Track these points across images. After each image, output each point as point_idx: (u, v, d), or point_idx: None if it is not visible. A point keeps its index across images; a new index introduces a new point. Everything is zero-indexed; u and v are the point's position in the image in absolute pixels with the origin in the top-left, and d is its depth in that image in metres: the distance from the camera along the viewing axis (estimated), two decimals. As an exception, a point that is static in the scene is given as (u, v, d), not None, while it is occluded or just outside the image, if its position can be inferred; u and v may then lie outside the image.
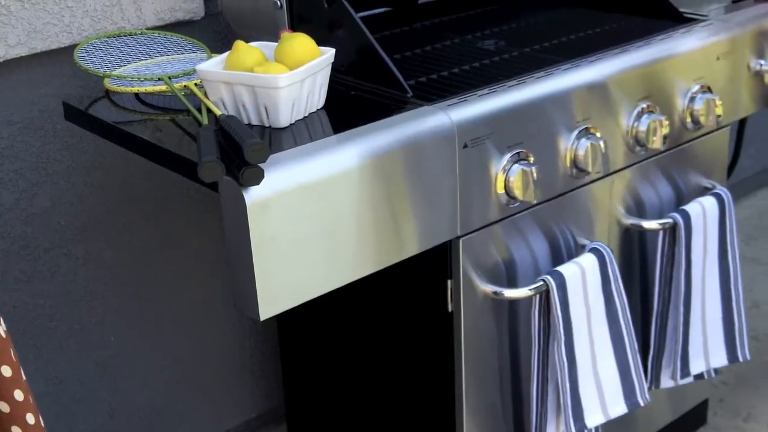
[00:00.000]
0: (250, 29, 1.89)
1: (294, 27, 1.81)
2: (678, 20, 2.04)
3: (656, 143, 1.84)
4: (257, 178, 1.30)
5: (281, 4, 1.82)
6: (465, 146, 1.57)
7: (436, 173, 1.53)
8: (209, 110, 1.54)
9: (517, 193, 1.62)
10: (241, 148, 1.29)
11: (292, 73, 1.49)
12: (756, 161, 3.46)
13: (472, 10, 2.24)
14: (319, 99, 1.59)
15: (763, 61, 2.06)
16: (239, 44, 1.57)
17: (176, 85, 1.64)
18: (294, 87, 1.50)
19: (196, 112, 1.54)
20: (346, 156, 1.42)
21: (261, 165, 1.30)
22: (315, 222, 1.39)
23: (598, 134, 1.76)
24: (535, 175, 1.64)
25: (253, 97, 1.51)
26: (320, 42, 1.59)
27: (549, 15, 2.20)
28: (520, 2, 2.29)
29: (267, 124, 1.52)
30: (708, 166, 2.07)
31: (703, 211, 1.93)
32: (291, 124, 1.53)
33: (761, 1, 2.19)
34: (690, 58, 1.92)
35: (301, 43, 1.57)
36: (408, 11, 2.14)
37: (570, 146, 1.73)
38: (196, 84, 1.64)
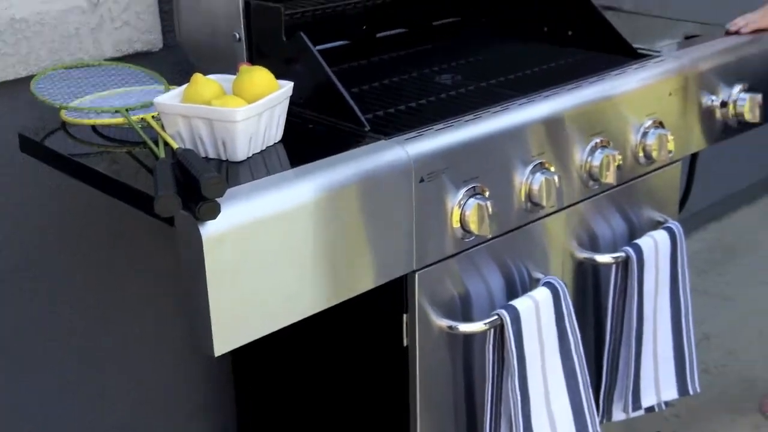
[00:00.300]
0: (209, 61, 1.89)
1: (252, 59, 1.82)
2: (631, 56, 2.08)
3: (609, 178, 1.86)
4: (214, 212, 1.30)
5: (240, 36, 1.83)
6: (421, 180, 1.58)
7: (392, 207, 1.54)
8: (166, 143, 1.54)
9: (473, 227, 1.64)
10: (198, 182, 1.30)
11: (250, 107, 1.50)
12: (707, 195, 3.52)
13: (429, 44, 2.26)
14: (276, 132, 1.60)
15: (714, 97, 2.10)
16: (197, 77, 1.58)
17: (133, 118, 1.64)
18: (251, 121, 1.51)
19: (153, 145, 1.54)
20: (303, 190, 1.43)
21: (218, 199, 1.30)
22: (271, 256, 1.39)
23: (553, 169, 1.78)
24: (490, 209, 1.65)
25: (210, 131, 1.51)
26: (278, 75, 1.60)
27: (505, 49, 2.23)
28: (477, 37, 2.32)
29: (224, 158, 1.52)
30: (660, 200, 2.10)
31: (655, 245, 1.96)
32: (248, 158, 1.53)
33: (731, 34, 2.23)
34: (643, 93, 1.95)
35: (259, 76, 1.58)
36: (366, 45, 2.15)
37: (525, 181, 1.74)
38: (153, 117, 1.64)
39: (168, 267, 2.21)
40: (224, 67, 1.79)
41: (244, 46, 1.83)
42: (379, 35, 2.19)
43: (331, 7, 1.94)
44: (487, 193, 1.67)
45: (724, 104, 2.11)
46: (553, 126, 1.78)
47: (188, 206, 1.31)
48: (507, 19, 2.31)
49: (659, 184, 2.08)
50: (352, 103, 1.67)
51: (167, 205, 1.28)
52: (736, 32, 2.23)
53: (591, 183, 1.88)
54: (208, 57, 1.90)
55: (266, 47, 1.81)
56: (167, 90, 1.79)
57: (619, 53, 2.11)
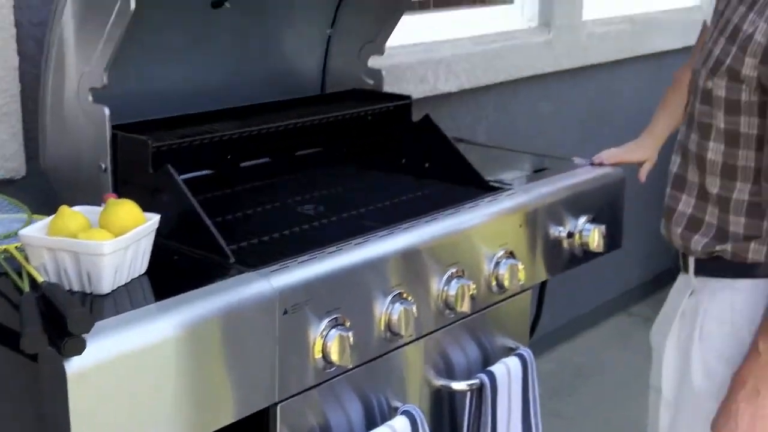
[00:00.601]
0: (73, 190, 1.91)
1: (118, 189, 1.84)
2: (484, 188, 2.19)
3: (464, 307, 1.94)
4: (79, 348, 1.32)
5: (106, 167, 1.86)
6: (285, 312, 1.62)
7: (255, 340, 1.57)
8: (30, 275, 1.54)
9: (334, 357, 1.68)
10: (64, 318, 1.31)
11: (117, 240, 1.53)
12: (556, 318, 3.66)
13: (292, 173, 2.32)
14: (141, 264, 1.62)
15: (561, 228, 2.22)
16: (64, 209, 1.60)
17: (-4, 248, 1.64)
18: (118, 254, 1.53)
19: (16, 278, 1.54)
20: (165, 325, 1.45)
21: (83, 335, 1.32)
22: (134, 391, 1.40)
23: (411, 299, 1.85)
24: (351, 339, 1.70)
25: (76, 263, 1.53)
26: (144, 205, 1.63)
27: (365, 180, 2.32)
28: (338, 167, 2.40)
29: (89, 291, 1.53)
30: (511, 327, 2.19)
31: (507, 371, 2.04)
32: (113, 291, 1.55)
33: (596, 165, 2.38)
34: (495, 225, 2.05)
35: (126, 209, 1.61)
36: (230, 174, 2.20)
37: (385, 311, 1.80)
38: (16, 247, 1.64)
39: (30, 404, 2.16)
40: (89, 196, 1.81)
41: (110, 177, 1.86)
42: (243, 165, 2.25)
43: (198, 139, 1.98)
44: (348, 324, 1.72)
45: (570, 235, 2.23)
46: (411, 257, 1.86)
47: (54, 342, 1.31)
48: (366, 150, 2.40)
49: (510, 311, 2.18)
50: (217, 235, 1.71)
51: (34, 341, 1.29)
52: (600, 163, 2.39)
53: (447, 312, 1.96)
54: (72, 186, 1.92)
55: (132, 178, 1.84)
56: (30, 219, 1.79)
57: (473, 186, 2.21)
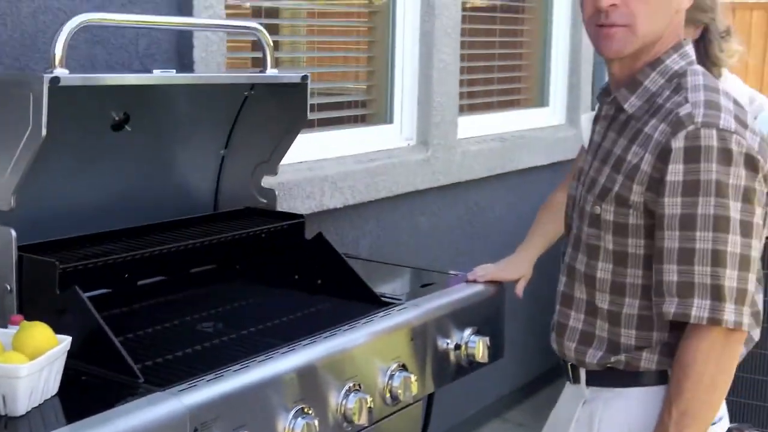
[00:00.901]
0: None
1: (23, 309, 1.87)
2: (376, 303, 2.29)
3: (362, 420, 2.02)
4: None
5: (11, 288, 1.89)
6: (195, 430, 1.67)
7: (168, 458, 1.61)
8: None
9: (243, 472, 1.73)
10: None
11: (33, 363, 1.57)
12: (440, 425, 3.75)
13: (190, 291, 2.38)
14: (53, 386, 1.65)
15: (449, 341, 2.34)
16: (-25, 333, 1.62)
17: None
18: (33, 376, 1.57)
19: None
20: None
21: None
22: None
23: (312, 413, 1.91)
24: (261, 453, 1.76)
25: (-10, 386, 1.55)
26: (49, 324, 1.67)
27: (261, 297, 2.39)
28: (233, 284, 2.47)
29: (4, 412, 1.56)
30: (405, 436, 2.28)
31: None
32: (27, 413, 1.57)
33: (470, 282, 2.50)
34: (388, 339, 2.15)
35: (39, 332, 1.65)
36: (128, 293, 2.25)
37: (287, 425, 1.86)
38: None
39: None
40: (-6, 316, 1.83)
41: (15, 298, 1.89)
42: (140, 283, 2.29)
43: (102, 260, 2.03)
44: (253, 439, 1.78)
45: (458, 347, 2.35)
46: (311, 373, 1.93)
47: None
48: (261, 267, 2.48)
49: (403, 422, 2.26)
50: (126, 355, 1.76)
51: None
52: (474, 280, 2.52)
53: (345, 425, 2.03)
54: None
55: (38, 298, 1.87)
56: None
57: (365, 301, 2.32)
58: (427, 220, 3.63)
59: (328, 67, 3.45)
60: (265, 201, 2.56)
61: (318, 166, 3.10)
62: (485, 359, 2.40)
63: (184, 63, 2.61)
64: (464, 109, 3.80)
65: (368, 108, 3.55)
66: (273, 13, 3.21)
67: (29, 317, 1.72)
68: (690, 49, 1.86)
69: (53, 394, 1.66)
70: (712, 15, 2.75)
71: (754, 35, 6.92)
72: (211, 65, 2.65)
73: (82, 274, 1.99)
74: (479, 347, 2.38)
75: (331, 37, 3.46)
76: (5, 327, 1.73)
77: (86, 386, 1.73)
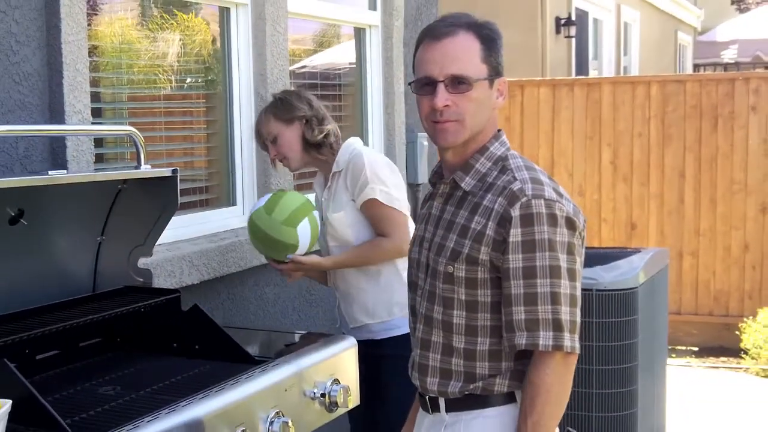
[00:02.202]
0: None
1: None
2: (251, 362, 2.64)
3: (252, 460, 2.36)
4: None
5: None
6: (124, 473, 1.98)
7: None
8: None
9: (164, 507, 2.05)
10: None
11: (-14, 424, 1.84)
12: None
13: (81, 362, 2.66)
14: (-3, 443, 1.93)
15: (315, 390, 2.70)
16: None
17: None
18: (-13, 434, 1.85)
19: None
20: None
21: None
22: None
23: (213, 456, 2.25)
24: (174, 493, 2.08)
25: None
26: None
27: (146, 363, 2.70)
28: (117, 354, 2.76)
29: (-38, 469, 1.83)
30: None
31: None
32: (-18, 468, 1.85)
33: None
34: (267, 391, 2.50)
35: (-15, 399, 1.93)
36: (29, 365, 2.51)
37: (193, 467, 2.20)
38: None
39: None
40: None
41: (-58, 374, 2.14)
42: (39, 357, 2.57)
43: (11, 338, 2.31)
44: (168, 480, 2.10)
45: (323, 395, 2.72)
46: (209, 421, 2.26)
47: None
48: (142, 338, 2.79)
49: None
50: (55, 413, 2.05)
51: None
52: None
53: (236, 471, 2.36)
54: None
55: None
56: None
57: (240, 361, 2.66)
58: (271, 291, 4.00)
59: (179, 158, 3.80)
60: (141, 280, 2.88)
61: (175, 247, 3.43)
62: (346, 405, 2.79)
63: (58, 162, 2.91)
64: (302, 189, 4.21)
65: (212, 192, 3.91)
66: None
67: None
68: (505, 138, 2.34)
69: (-3, 451, 1.93)
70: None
71: (543, 108, 7.70)
72: (82, 162, 2.96)
73: (-1, 350, 2.26)
74: (340, 394, 2.76)
75: (177, 131, 3.82)
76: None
77: (23, 446, 2.01)
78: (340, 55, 4.91)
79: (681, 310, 7.34)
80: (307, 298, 4.27)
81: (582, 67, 11.36)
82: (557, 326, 2.17)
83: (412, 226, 3.40)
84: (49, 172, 2.46)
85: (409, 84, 2.34)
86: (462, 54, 2.24)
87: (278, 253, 3.29)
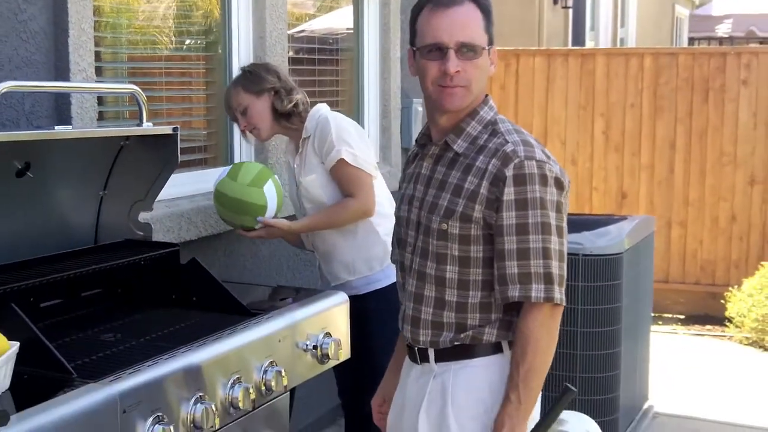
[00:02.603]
0: None
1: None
2: (247, 315, 2.75)
3: (245, 405, 2.47)
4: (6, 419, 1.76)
5: (-54, 309, 2.25)
6: (124, 412, 2.09)
7: (103, 432, 2.04)
8: None
9: (161, 447, 2.16)
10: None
11: (-4, 362, 1.95)
12: (305, 416, 4.18)
13: (82, 311, 2.77)
14: (6, 382, 2.04)
15: (308, 342, 2.82)
16: (-58, 342, 2.00)
17: None
18: (3, 371, 1.96)
19: None
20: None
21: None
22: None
23: (209, 399, 2.36)
24: (172, 430, 2.19)
25: (-39, 382, 1.93)
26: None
27: (146, 313, 2.81)
28: (119, 304, 2.87)
29: (-29, 403, 1.94)
30: (274, 422, 2.74)
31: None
32: (-10, 404, 1.96)
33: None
34: (262, 342, 2.61)
35: (-5, 338, 2.04)
36: (32, 313, 2.61)
37: (190, 410, 2.30)
38: None
39: None
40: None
41: (-50, 317, 2.25)
42: (42, 305, 2.67)
43: (16, 285, 2.42)
44: (166, 420, 2.21)
45: (315, 347, 2.84)
46: (205, 368, 2.38)
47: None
48: (141, 290, 2.90)
49: (275, 409, 2.73)
50: (59, 356, 2.16)
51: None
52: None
53: (232, 411, 2.47)
54: None
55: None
56: None
57: (237, 313, 2.77)
58: (266, 249, 4.11)
59: (178, 118, 3.89)
60: (141, 233, 2.98)
61: (174, 204, 3.53)
62: (337, 357, 2.90)
63: (62, 118, 3.01)
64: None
65: (210, 152, 4.00)
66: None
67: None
68: (493, 103, 2.44)
69: (5, 389, 2.04)
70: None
71: (538, 77, 7.78)
72: (86, 119, 3.05)
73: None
74: (332, 347, 2.88)
75: (176, 92, 3.90)
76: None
77: (29, 383, 2.11)
78: (337, 21, 4.99)
79: (668, 279, 7.45)
80: (301, 257, 4.38)
81: (578, 38, 11.39)
82: (548, 279, 2.28)
83: (382, 186, 3.53)
84: (56, 128, 2.56)
85: (415, 49, 2.41)
86: (470, 23, 2.33)
87: (249, 218, 3.41)
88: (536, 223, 2.29)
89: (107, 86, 2.96)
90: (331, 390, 3.79)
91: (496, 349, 2.40)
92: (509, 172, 2.29)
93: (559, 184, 2.33)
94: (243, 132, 3.61)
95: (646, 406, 4.99)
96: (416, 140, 2.56)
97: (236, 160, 4.03)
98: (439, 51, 2.34)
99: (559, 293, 2.31)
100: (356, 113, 5.03)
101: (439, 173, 2.42)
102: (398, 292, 2.56)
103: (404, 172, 2.60)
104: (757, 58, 7.35)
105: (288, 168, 3.67)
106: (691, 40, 15.49)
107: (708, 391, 5.69)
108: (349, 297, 3.11)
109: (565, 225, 2.36)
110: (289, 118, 3.51)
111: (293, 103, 3.49)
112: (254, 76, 3.49)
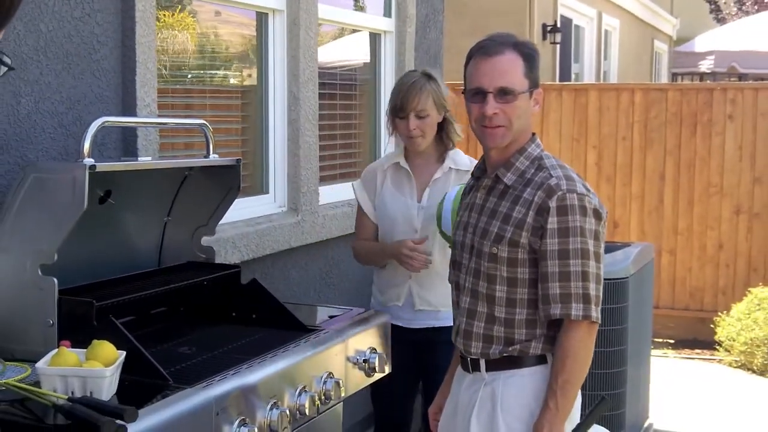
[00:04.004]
0: (17, 342, 2.50)
1: (62, 336, 2.46)
2: (305, 330, 3.01)
3: (311, 412, 2.73)
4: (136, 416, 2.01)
5: (53, 322, 2.49)
6: (217, 414, 2.35)
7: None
8: (46, 395, 2.16)
9: (247, 447, 2.41)
10: (122, 411, 1.98)
11: (112, 368, 2.22)
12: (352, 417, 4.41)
13: (151, 327, 3.01)
14: (115, 387, 2.29)
15: (357, 356, 3.08)
16: (62, 350, 2.25)
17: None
18: (112, 377, 2.21)
19: (49, 396, 2.15)
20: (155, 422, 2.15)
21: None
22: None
23: (283, 405, 2.61)
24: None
25: (82, 385, 2.18)
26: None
27: (210, 329, 3.06)
28: (183, 321, 3.12)
29: (94, 404, 2.18)
30: (333, 425, 2.99)
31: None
32: (109, 403, 2.21)
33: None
34: (322, 355, 2.87)
35: (108, 347, 2.29)
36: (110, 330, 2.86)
37: (266, 415, 2.56)
38: (17, 380, 2.24)
39: None
40: (33, 346, 2.42)
41: (56, 330, 2.49)
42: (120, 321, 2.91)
43: (107, 302, 2.66)
44: (248, 422, 2.46)
45: (364, 361, 3.10)
46: (279, 377, 2.63)
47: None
48: (209, 307, 3.15)
49: (333, 416, 2.98)
50: (157, 365, 2.41)
51: (131, 415, 1.96)
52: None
53: (299, 416, 2.73)
54: (16, 339, 2.51)
55: (77, 328, 2.48)
56: (5, 365, 2.39)
57: (295, 329, 3.02)
58: (296, 273, 4.37)
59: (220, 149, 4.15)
60: (204, 256, 3.24)
61: (220, 229, 3.79)
62: (383, 371, 3.17)
63: (129, 150, 3.27)
64: (321, 180, 4.58)
65: (246, 181, 4.27)
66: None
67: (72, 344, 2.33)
68: (539, 141, 2.73)
69: (113, 393, 2.29)
70: (449, 107, 3.72)
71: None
72: (150, 150, 3.31)
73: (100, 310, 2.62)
74: (377, 361, 3.14)
75: (216, 125, 4.17)
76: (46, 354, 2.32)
77: (131, 388, 2.36)
78: (357, 57, 5.29)
79: (659, 304, 7.77)
80: (326, 281, 4.64)
81: (565, 72, 11.79)
82: (586, 300, 2.56)
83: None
84: (140, 158, 2.81)
85: (462, 93, 2.71)
86: (509, 69, 2.62)
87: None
88: (576, 249, 2.57)
89: (180, 120, 3.23)
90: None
91: (542, 360, 2.67)
92: (553, 204, 2.58)
93: (598, 215, 2.62)
94: (395, 130, 3.75)
95: (646, 424, 5.27)
96: (472, 173, 2.85)
97: (270, 188, 4.29)
98: (480, 95, 2.63)
99: (595, 312, 2.59)
100: (373, 145, 5.31)
101: (490, 203, 2.70)
102: (452, 310, 2.84)
103: (461, 202, 2.89)
104: (742, 93, 7.72)
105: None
106: (675, 76, 15.94)
107: (701, 410, 5.99)
108: (425, 328, 3.35)
109: (602, 251, 2.64)
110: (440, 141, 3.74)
111: (456, 133, 3.74)
112: (441, 92, 3.68)
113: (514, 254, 2.62)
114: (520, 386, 2.67)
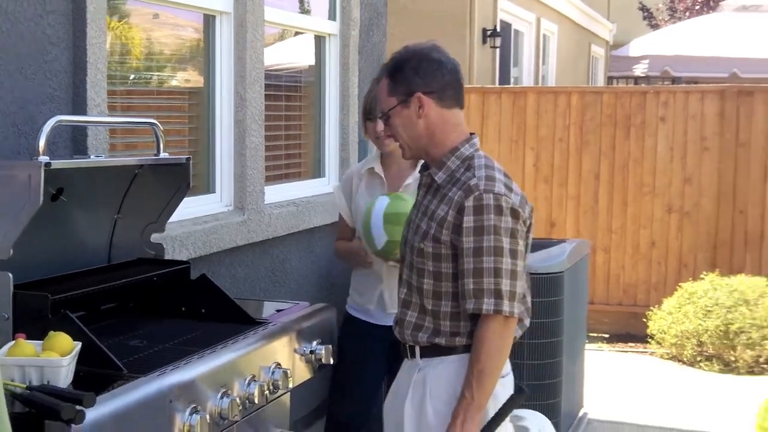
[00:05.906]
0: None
1: (17, 330, 2.54)
2: (254, 323, 3.11)
3: (258, 401, 2.83)
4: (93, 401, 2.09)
5: (8, 316, 2.57)
6: (171, 401, 2.45)
7: (153, 417, 2.39)
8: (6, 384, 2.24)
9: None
10: (81, 396, 2.08)
11: (69, 357, 2.31)
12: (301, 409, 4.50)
13: (103, 322, 3.09)
14: (69, 376, 2.37)
15: (305, 347, 3.19)
16: (20, 341, 2.33)
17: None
18: (69, 366, 2.30)
19: (10, 384, 2.23)
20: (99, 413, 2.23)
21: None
22: None
23: (231, 393, 2.71)
24: (208, 419, 2.55)
25: (39, 374, 2.27)
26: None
27: (161, 324, 3.15)
28: (134, 316, 3.21)
29: (52, 392, 2.27)
30: (281, 414, 3.10)
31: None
32: (67, 391, 2.29)
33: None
34: (269, 347, 2.98)
35: (64, 338, 2.39)
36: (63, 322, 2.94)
37: (217, 403, 2.66)
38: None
39: None
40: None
41: (11, 323, 2.57)
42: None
43: (62, 296, 2.74)
44: (200, 410, 2.56)
45: (311, 352, 3.21)
46: (228, 367, 2.74)
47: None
48: (158, 302, 3.24)
49: (281, 405, 3.09)
50: (111, 356, 2.51)
51: (70, 410, 2.05)
52: None
53: (248, 404, 2.84)
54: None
55: (32, 322, 2.56)
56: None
57: (243, 323, 3.13)
58: (243, 270, 4.46)
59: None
60: (153, 253, 3.33)
61: (168, 227, 3.86)
62: (329, 362, 3.28)
63: (79, 149, 3.34)
64: (267, 180, 4.68)
65: (193, 181, 4.34)
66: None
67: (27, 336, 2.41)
68: (476, 141, 2.88)
69: (69, 381, 2.37)
70: None
71: (473, 113, 8.28)
72: (100, 150, 3.39)
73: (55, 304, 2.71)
74: (324, 352, 3.25)
75: (164, 125, 4.25)
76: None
77: (86, 378, 2.45)
78: (301, 59, 5.40)
79: (594, 300, 7.99)
80: (272, 278, 4.74)
81: (505, 75, 12.00)
82: (498, 295, 2.70)
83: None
84: (92, 156, 2.90)
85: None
86: (381, 94, 2.91)
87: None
88: (489, 246, 2.71)
89: (131, 120, 3.31)
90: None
91: (467, 349, 2.81)
92: (469, 203, 2.72)
93: (515, 214, 2.75)
94: (376, 134, 3.94)
95: (581, 413, 5.45)
96: (419, 171, 3.01)
97: (217, 188, 4.38)
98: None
99: (508, 306, 2.72)
100: (318, 146, 5.43)
101: (426, 200, 2.86)
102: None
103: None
104: (674, 97, 7.97)
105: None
106: (611, 79, 16.27)
107: (634, 399, 6.21)
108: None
109: (520, 248, 2.77)
110: None
111: None
112: None
113: (437, 250, 2.77)
114: (447, 372, 2.82)
